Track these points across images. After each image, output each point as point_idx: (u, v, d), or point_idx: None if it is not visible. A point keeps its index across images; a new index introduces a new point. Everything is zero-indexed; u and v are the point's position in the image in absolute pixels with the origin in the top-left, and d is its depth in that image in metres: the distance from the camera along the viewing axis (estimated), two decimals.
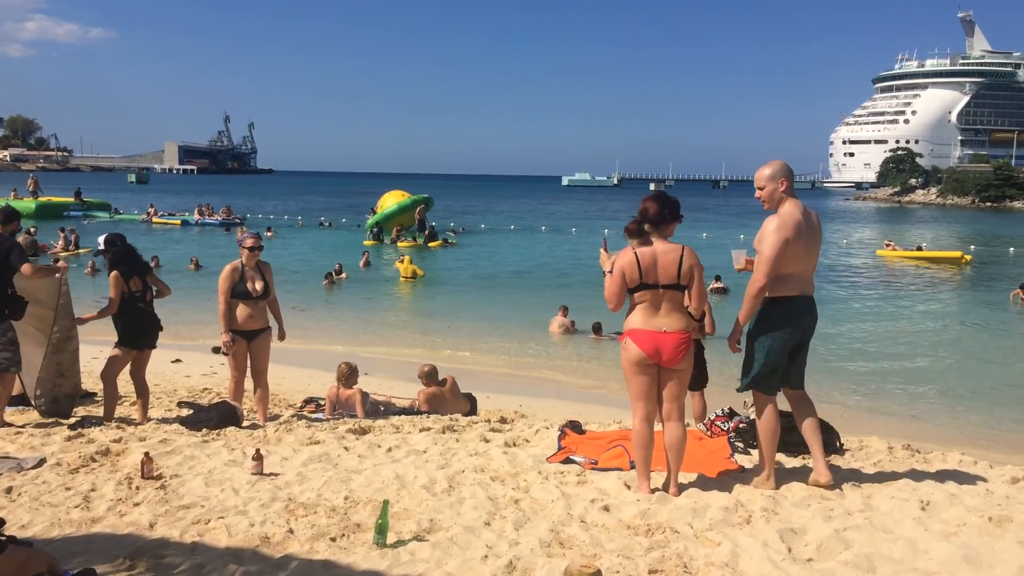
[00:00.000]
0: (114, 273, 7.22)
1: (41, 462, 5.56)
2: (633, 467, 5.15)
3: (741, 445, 5.94)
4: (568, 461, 5.56)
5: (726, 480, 5.08)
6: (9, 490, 4.96)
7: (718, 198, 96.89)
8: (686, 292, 4.81)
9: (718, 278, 18.49)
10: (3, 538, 3.36)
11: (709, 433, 6.22)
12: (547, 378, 11.97)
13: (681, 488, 4.86)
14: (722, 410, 6.48)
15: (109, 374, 7.27)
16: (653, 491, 4.83)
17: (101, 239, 7.39)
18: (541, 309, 16.46)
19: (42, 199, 40.93)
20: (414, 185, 47.48)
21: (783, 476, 5.12)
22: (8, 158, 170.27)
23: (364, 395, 8.22)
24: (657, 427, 4.92)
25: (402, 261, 23.01)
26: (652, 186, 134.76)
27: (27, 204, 39.47)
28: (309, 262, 25.10)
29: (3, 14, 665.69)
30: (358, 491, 4.99)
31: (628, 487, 4.94)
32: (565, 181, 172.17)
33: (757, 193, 4.97)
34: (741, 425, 6.14)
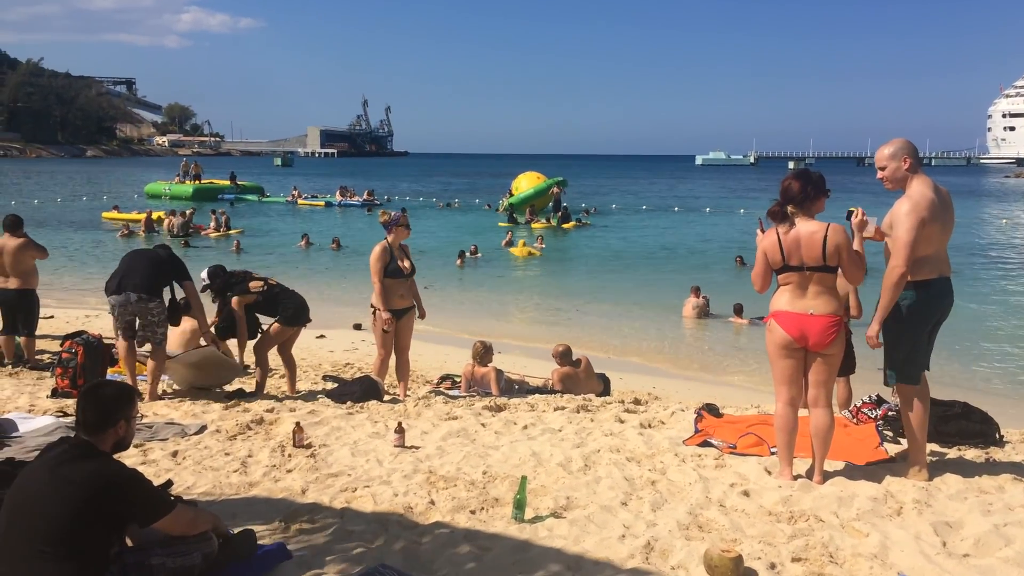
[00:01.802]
0: (234, 299, 7.53)
1: (202, 429, 5.95)
2: (773, 453, 5.02)
3: (890, 434, 5.68)
4: (705, 444, 5.48)
5: (874, 469, 4.87)
6: (175, 454, 5.33)
7: (863, 176, 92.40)
8: (838, 273, 4.61)
9: None
10: (172, 497, 3.62)
11: (855, 420, 5.98)
12: (681, 360, 11.80)
13: (826, 476, 4.70)
14: (869, 397, 6.21)
15: (262, 349, 7.69)
16: (795, 478, 4.70)
17: (204, 273, 7.70)
18: (674, 290, 16.20)
19: (202, 183, 43.45)
20: (545, 165, 47.64)
21: (937, 467, 4.87)
22: (167, 143, 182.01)
23: (499, 373, 8.35)
24: (801, 412, 4.78)
25: (516, 245, 23.41)
26: (791, 164, 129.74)
27: (185, 188, 42.12)
28: (442, 241, 25.64)
29: (162, 7, 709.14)
30: (496, 466, 5.09)
31: (769, 473, 4.82)
32: (699, 160, 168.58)
33: (879, 174, 4.71)
34: (890, 413, 5.87)
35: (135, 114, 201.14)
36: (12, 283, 8.68)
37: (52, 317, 10.99)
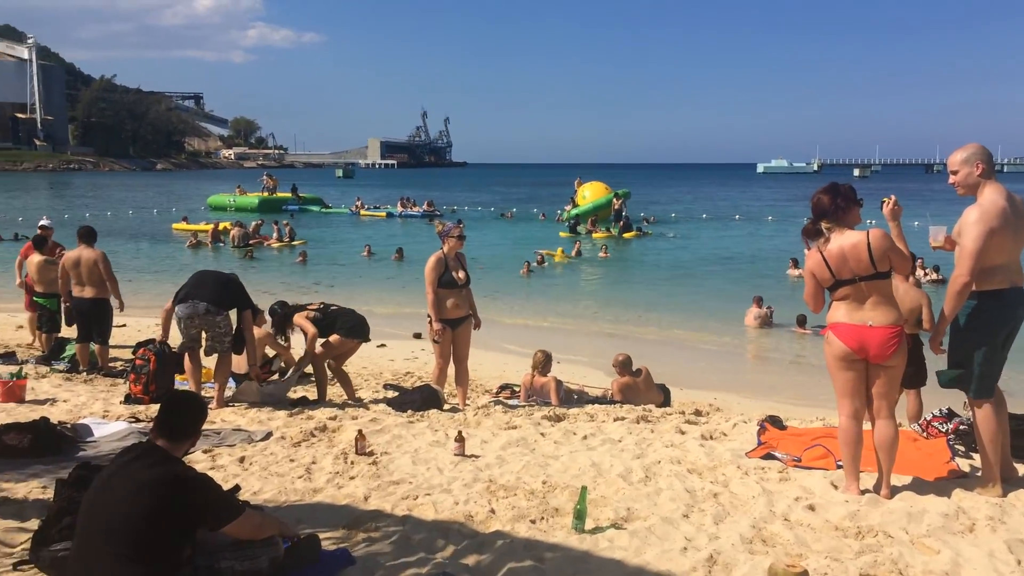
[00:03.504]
0: (298, 318, 7.74)
1: (268, 435, 6.07)
2: (839, 467, 4.92)
3: (962, 448, 5.52)
4: (769, 457, 5.40)
5: (945, 484, 4.74)
6: (242, 460, 5.45)
7: (932, 183, 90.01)
8: (891, 278, 4.51)
9: (936, 268, 17.24)
10: (240, 502, 3.71)
11: (925, 434, 5.83)
12: (743, 371, 11.63)
13: (894, 491, 4.59)
14: (940, 410, 6.04)
15: (320, 359, 7.84)
16: (863, 492, 4.59)
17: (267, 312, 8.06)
18: (736, 300, 16.00)
19: (266, 195, 44.36)
20: (603, 174, 47.28)
21: (1011, 483, 4.71)
22: (232, 156, 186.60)
23: (558, 383, 8.35)
24: (866, 426, 4.68)
25: (553, 253, 23.73)
26: (856, 172, 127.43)
27: (251, 199, 43.06)
28: (506, 252, 25.76)
29: (228, 23, 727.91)
30: (556, 476, 5.09)
31: (835, 487, 4.72)
32: (760, 168, 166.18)
33: (951, 179, 4.59)
34: (962, 427, 5.70)
35: (202, 128, 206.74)
36: (87, 292, 8.98)
37: (124, 326, 11.34)
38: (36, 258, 9.93)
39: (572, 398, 8.39)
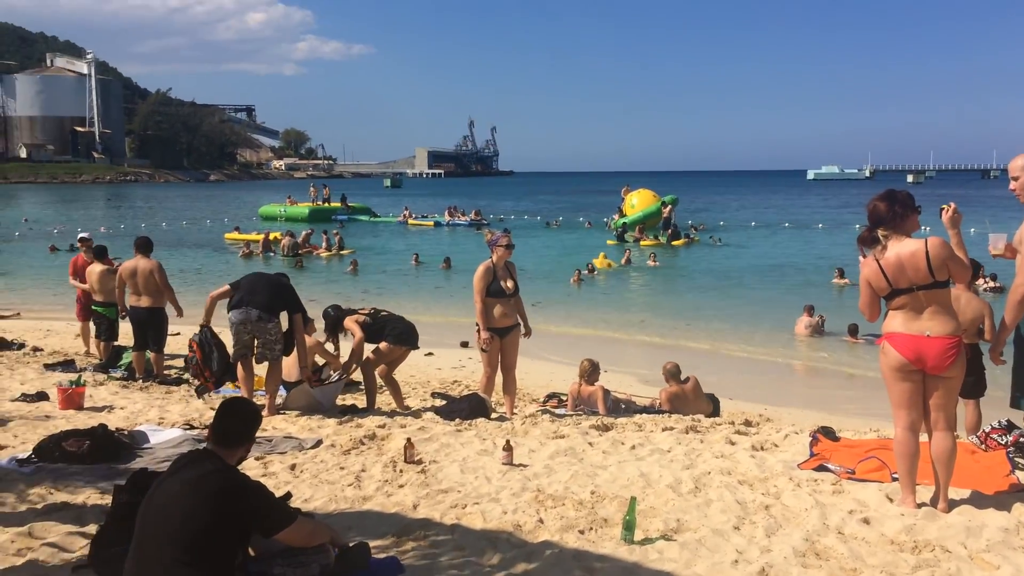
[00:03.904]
0: (348, 321, 7.85)
1: (318, 443, 6.15)
2: (895, 479, 4.81)
3: (1022, 461, 5.36)
4: (821, 469, 5.31)
5: (1005, 498, 4.61)
6: (293, 467, 5.53)
7: (989, 189, 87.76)
8: (950, 287, 4.41)
9: (993, 276, 16.80)
10: (292, 509, 3.76)
11: (984, 447, 5.67)
12: (794, 381, 11.46)
13: (952, 504, 4.48)
14: (999, 422, 5.87)
15: (370, 367, 7.92)
16: (919, 506, 4.49)
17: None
18: (786, 308, 15.77)
19: (316, 204, 44.95)
20: (652, 182, 47.17)
21: None
22: (283, 167, 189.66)
23: (606, 392, 8.31)
24: (923, 438, 4.57)
25: (598, 258, 23.82)
26: (910, 178, 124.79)
27: (301, 209, 43.66)
28: (553, 261, 25.75)
29: (280, 37, 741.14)
30: (604, 486, 5.06)
31: (890, 500, 4.63)
32: (811, 175, 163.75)
33: (1011, 185, 4.49)
34: (1022, 439, 5.54)
35: (254, 139, 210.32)
36: (144, 301, 9.19)
37: (179, 334, 11.56)
38: (97, 268, 10.18)
39: (620, 407, 8.34)
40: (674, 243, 30.66)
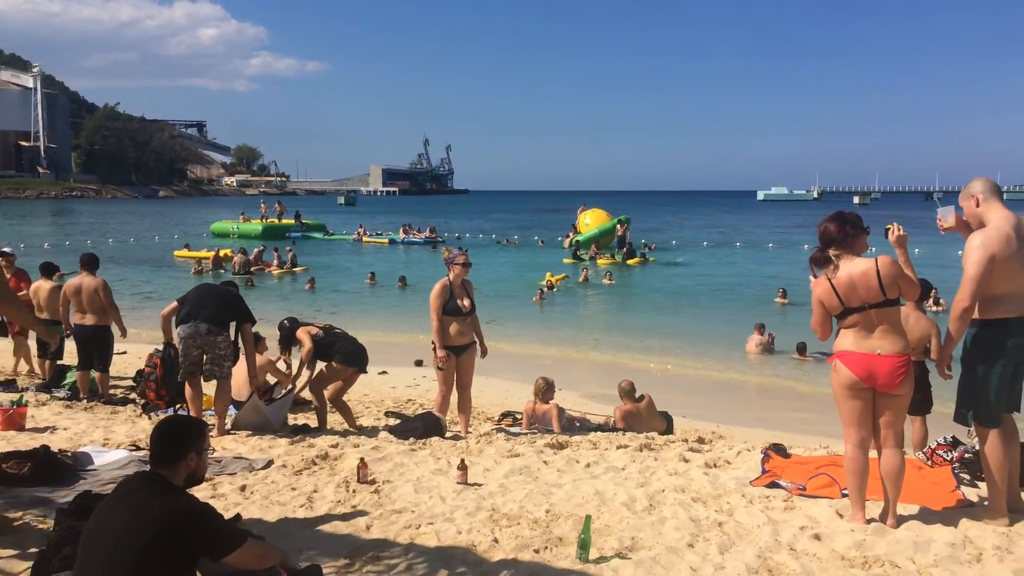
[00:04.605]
0: (300, 332, 7.82)
1: (269, 463, 6.04)
2: (845, 495, 4.88)
3: (967, 477, 5.48)
4: (773, 485, 5.36)
5: (951, 513, 4.70)
6: (243, 488, 5.42)
7: (931, 209, 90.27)
8: (899, 306, 4.51)
9: (937, 300, 17.20)
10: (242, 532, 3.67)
11: (930, 463, 5.79)
12: (745, 399, 11.60)
13: (900, 520, 4.55)
14: (944, 438, 6.01)
15: (318, 386, 7.83)
16: (869, 521, 4.55)
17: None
18: (737, 327, 15.99)
19: (270, 221, 44.43)
20: (605, 202, 47.48)
21: (1020, 513, 4.67)
22: (235, 183, 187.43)
23: (560, 410, 8.32)
24: (871, 454, 4.64)
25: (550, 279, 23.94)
26: (856, 199, 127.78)
27: (254, 226, 43.15)
28: (508, 278, 25.79)
29: (231, 52, 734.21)
30: (559, 505, 5.05)
31: (841, 516, 4.69)
32: (760, 196, 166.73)
33: (963, 212, 4.63)
34: (967, 455, 5.67)
35: (205, 155, 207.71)
36: (88, 319, 8.97)
37: (125, 353, 11.32)
38: (46, 285, 9.91)
39: (575, 426, 8.35)
40: (629, 262, 30.96)
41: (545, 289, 21.78)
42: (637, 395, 8.69)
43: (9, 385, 9.44)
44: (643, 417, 8.49)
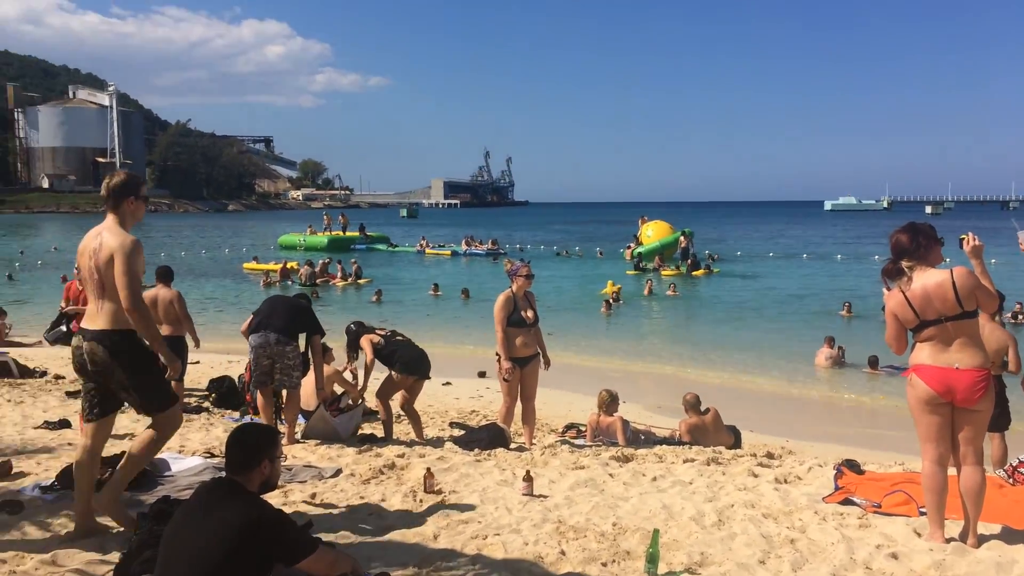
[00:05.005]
0: (363, 339, 7.89)
1: (338, 472, 6.13)
2: (922, 514, 4.75)
3: None
4: (847, 502, 5.24)
5: None
6: (313, 496, 5.50)
7: (1008, 219, 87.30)
8: (978, 318, 4.37)
9: (1014, 315, 16.64)
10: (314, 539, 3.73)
11: (1011, 480, 5.59)
12: (815, 413, 11.35)
13: (981, 539, 4.40)
14: None
15: (384, 395, 7.92)
16: (948, 540, 4.42)
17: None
18: (805, 340, 15.69)
19: (335, 233, 45.23)
20: (667, 213, 47.15)
21: None
22: (301, 197, 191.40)
23: (625, 423, 8.27)
24: (950, 471, 4.51)
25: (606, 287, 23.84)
26: (929, 209, 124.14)
27: (320, 238, 43.95)
28: (569, 290, 25.76)
29: (298, 69, 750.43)
30: (626, 518, 5.01)
31: (918, 535, 4.56)
32: (828, 206, 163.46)
33: None
34: None
35: (272, 170, 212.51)
36: (164, 330, 9.21)
37: (198, 363, 11.61)
38: None
39: (639, 439, 8.29)
40: (693, 273, 30.65)
41: (611, 301, 21.66)
42: (703, 408, 8.59)
43: None
44: (709, 431, 8.39)
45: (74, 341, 4.63)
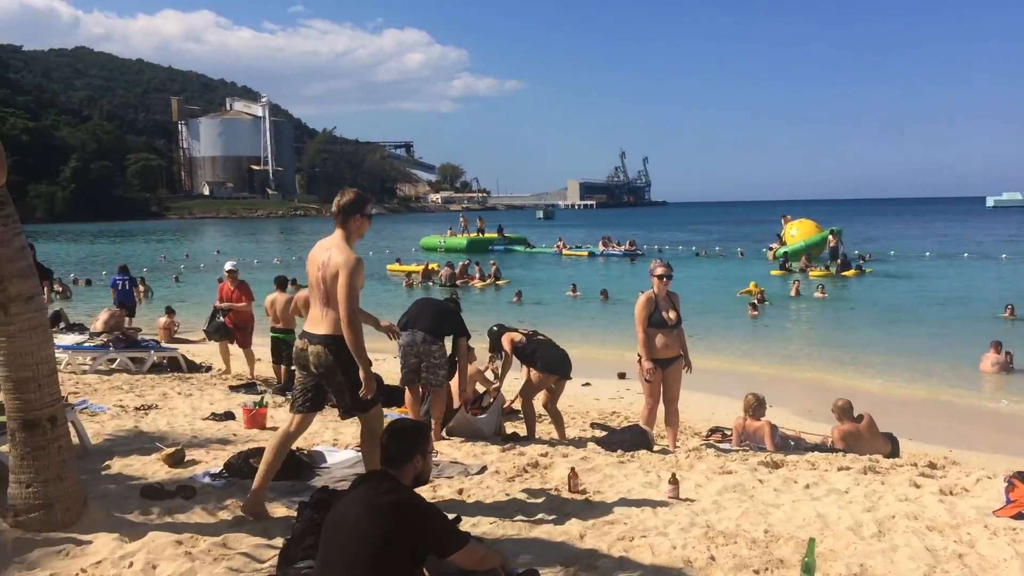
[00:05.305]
0: (504, 338, 8.02)
1: (483, 469, 6.23)
2: None
3: None
4: (1020, 517, 4.89)
5: None
6: (460, 491, 5.62)
7: None
8: None
9: None
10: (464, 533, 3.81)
11: None
12: (981, 422, 10.64)
13: None
14: None
15: (527, 395, 7.98)
16: None
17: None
18: (968, 344, 14.72)
19: (472, 235, 46.13)
20: (811, 211, 45.41)
21: None
22: (440, 200, 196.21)
23: (773, 428, 8.01)
24: None
25: (747, 290, 23.28)
26: None
27: (460, 240, 44.89)
28: (705, 291, 25.23)
29: (436, 76, 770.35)
30: (778, 526, 4.86)
31: None
32: (990, 202, 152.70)
33: None
34: None
35: (412, 174, 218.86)
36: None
37: None
38: (280, 297, 10.83)
39: (788, 444, 8.01)
40: (844, 274, 29.34)
41: (756, 303, 21.05)
42: (856, 414, 8.21)
43: (250, 388, 10.35)
44: (864, 438, 8.00)
45: (297, 343, 5.02)
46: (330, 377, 4.85)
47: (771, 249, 35.58)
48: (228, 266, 12.05)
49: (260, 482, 4.92)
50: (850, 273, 29.49)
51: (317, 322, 4.89)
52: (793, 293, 23.84)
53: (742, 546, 4.49)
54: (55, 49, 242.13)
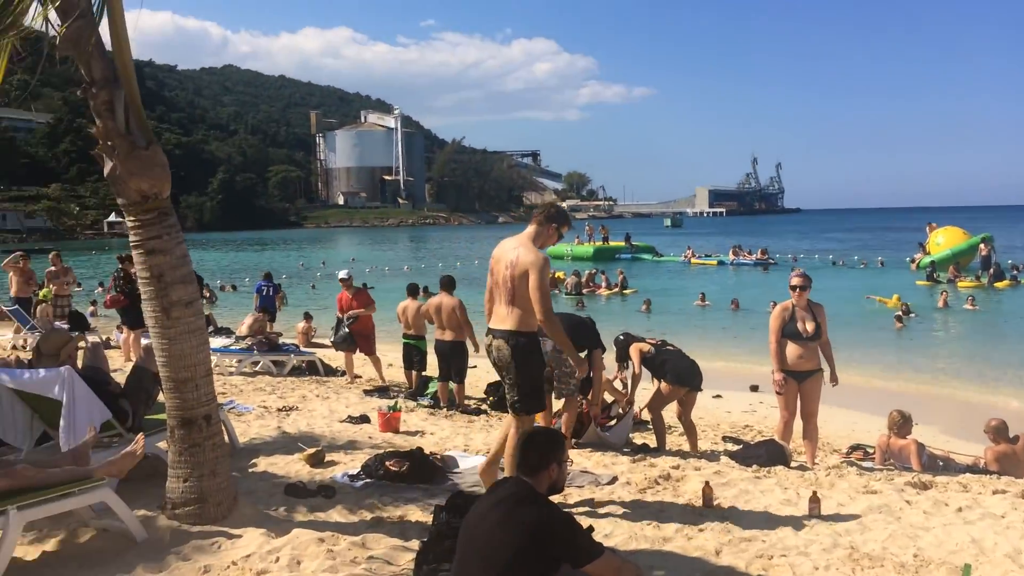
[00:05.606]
0: (632, 349, 8.00)
1: (614, 480, 6.18)
2: None
3: None
4: None
5: None
6: (591, 502, 5.59)
7: None
8: None
9: None
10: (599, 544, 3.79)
11: None
12: None
13: None
14: None
15: (655, 407, 7.87)
16: None
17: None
18: None
19: (596, 244, 46.02)
20: (958, 218, 42.90)
21: None
22: (566, 208, 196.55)
23: (920, 446, 7.61)
24: None
25: (887, 300, 22.21)
26: None
27: (586, 248, 44.85)
28: (846, 303, 24.21)
29: (563, 84, 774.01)
30: (928, 550, 4.60)
31: None
32: None
33: None
34: None
35: (539, 183, 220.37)
36: (447, 335, 9.89)
37: (475, 367, 12.27)
38: (412, 304, 11.12)
39: (937, 465, 7.59)
40: (997, 285, 27.51)
41: (902, 314, 20.05)
42: (1011, 435, 7.69)
43: (383, 392, 10.67)
44: (1021, 460, 7.49)
45: (485, 339, 5.34)
46: (505, 370, 5.13)
47: (914, 260, 33.82)
48: (341, 275, 12.38)
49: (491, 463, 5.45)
50: (1003, 284, 27.61)
51: (503, 318, 5.13)
52: (941, 304, 22.58)
53: (889, 569, 4.28)
54: (206, 68, 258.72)
